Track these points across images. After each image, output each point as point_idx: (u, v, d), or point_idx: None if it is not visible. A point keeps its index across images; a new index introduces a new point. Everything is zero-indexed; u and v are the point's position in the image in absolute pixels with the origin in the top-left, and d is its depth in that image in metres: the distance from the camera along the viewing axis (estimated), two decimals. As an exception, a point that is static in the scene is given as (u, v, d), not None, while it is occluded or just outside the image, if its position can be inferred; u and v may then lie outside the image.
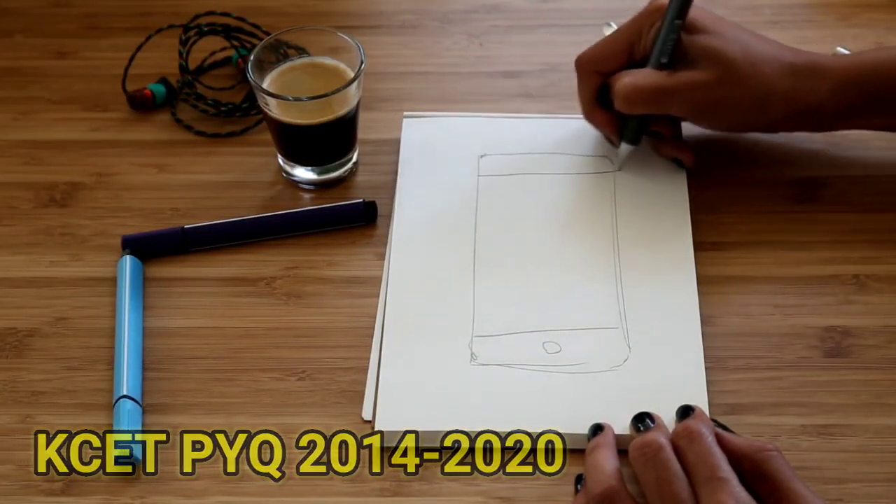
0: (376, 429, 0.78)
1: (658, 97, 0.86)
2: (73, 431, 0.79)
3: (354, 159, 0.94)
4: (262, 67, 0.90)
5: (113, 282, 0.87)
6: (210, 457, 0.78)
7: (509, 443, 0.78)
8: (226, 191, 0.93)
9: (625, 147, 0.90)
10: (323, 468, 0.78)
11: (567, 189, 0.91)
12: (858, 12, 1.04)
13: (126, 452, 0.77)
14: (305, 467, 0.78)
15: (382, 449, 0.78)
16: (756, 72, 0.85)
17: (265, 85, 0.90)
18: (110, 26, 1.05)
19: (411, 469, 0.77)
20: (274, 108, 0.89)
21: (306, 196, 0.93)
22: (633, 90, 0.86)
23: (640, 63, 0.88)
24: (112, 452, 0.77)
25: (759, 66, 0.85)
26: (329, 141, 0.91)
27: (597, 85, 0.89)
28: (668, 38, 0.86)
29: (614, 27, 0.91)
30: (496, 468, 0.77)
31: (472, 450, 0.78)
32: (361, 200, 0.90)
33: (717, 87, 0.85)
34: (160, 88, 0.98)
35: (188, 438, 0.79)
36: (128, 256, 0.87)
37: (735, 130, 0.91)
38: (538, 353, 0.81)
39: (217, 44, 1.01)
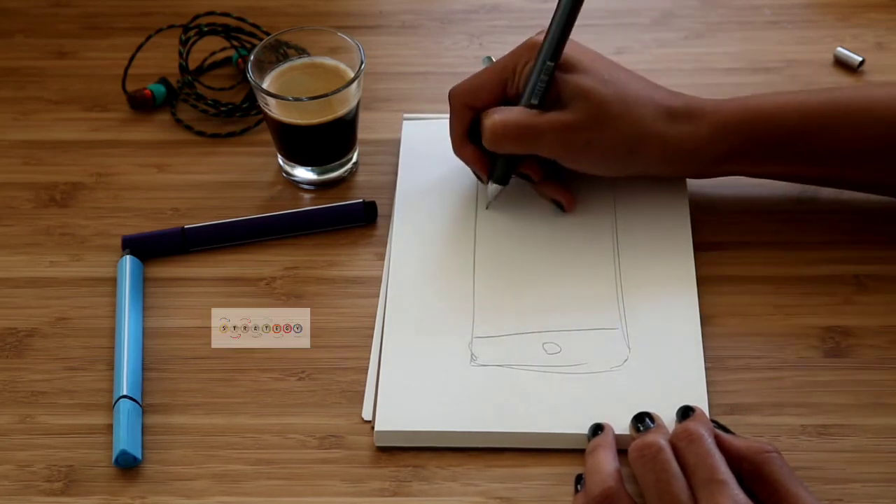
0: (376, 429, 0.78)
1: (526, 136, 0.83)
2: (73, 431, 0.79)
3: (354, 159, 0.94)
4: (262, 67, 0.90)
5: (113, 282, 0.87)
6: (210, 457, 0.78)
7: (509, 443, 0.78)
8: (226, 191, 0.93)
9: (493, 186, 0.87)
10: (323, 468, 0.78)
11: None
12: (858, 12, 1.04)
13: (126, 452, 0.77)
14: (305, 467, 0.78)
15: (382, 449, 0.78)
16: (629, 113, 0.83)
17: (265, 85, 0.90)
18: (110, 26, 1.05)
19: (410, 469, 0.77)
20: (274, 108, 0.89)
21: (306, 196, 0.93)
22: (501, 127, 0.83)
23: (513, 100, 0.85)
24: (112, 452, 0.77)
25: (633, 107, 0.83)
26: (329, 141, 0.91)
27: (468, 119, 0.86)
28: (540, 79, 0.83)
29: (494, 61, 0.89)
30: (496, 468, 0.77)
31: (472, 450, 0.78)
32: (361, 200, 0.90)
33: (587, 129, 0.83)
34: (160, 88, 0.98)
35: (188, 438, 0.79)
36: (128, 256, 0.87)
37: (610, 174, 0.87)
38: (538, 354, 0.81)
39: (217, 44, 1.01)
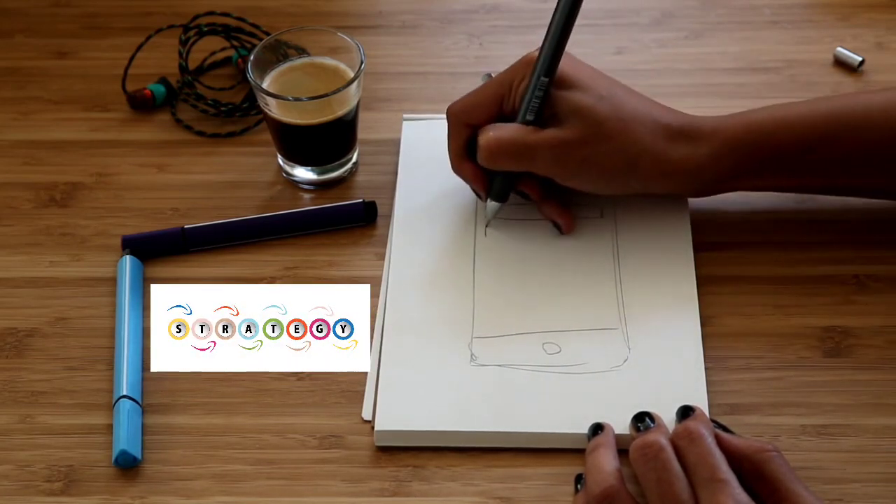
0: (376, 429, 0.78)
1: (520, 153, 0.83)
2: (73, 431, 0.79)
3: (354, 159, 0.94)
4: (262, 67, 0.90)
5: (113, 282, 0.87)
6: (210, 457, 0.78)
7: (509, 443, 0.78)
8: (226, 191, 0.93)
9: (491, 204, 0.87)
10: (323, 468, 0.78)
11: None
12: (858, 12, 1.04)
13: (126, 452, 0.77)
14: (305, 467, 0.78)
15: (382, 449, 0.78)
16: (626, 130, 0.82)
17: (265, 85, 0.90)
18: (110, 26, 1.05)
19: (410, 469, 0.77)
20: (274, 108, 0.89)
21: (306, 196, 0.93)
22: (495, 144, 0.83)
23: (510, 118, 0.84)
24: (112, 452, 0.77)
25: (630, 124, 0.82)
26: (329, 141, 0.91)
27: (466, 136, 0.85)
28: (535, 94, 0.82)
29: (492, 77, 0.88)
30: (496, 468, 0.77)
31: (471, 450, 0.78)
32: (361, 200, 0.90)
33: (583, 146, 0.82)
34: (160, 88, 0.98)
35: (188, 438, 0.79)
36: (128, 256, 0.87)
37: (607, 192, 0.85)
38: (538, 354, 0.81)
39: (217, 44, 1.01)
